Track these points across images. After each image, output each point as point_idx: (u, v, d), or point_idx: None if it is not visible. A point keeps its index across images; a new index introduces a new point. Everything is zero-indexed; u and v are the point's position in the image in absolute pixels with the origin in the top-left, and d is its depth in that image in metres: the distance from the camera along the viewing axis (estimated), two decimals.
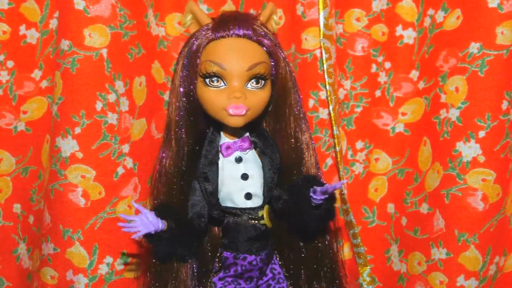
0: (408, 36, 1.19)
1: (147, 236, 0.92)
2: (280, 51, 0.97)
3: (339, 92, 1.20)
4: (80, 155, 1.05)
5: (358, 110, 1.21)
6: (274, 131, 1.02)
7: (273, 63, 0.95)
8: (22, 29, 1.14)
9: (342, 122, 1.21)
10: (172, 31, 1.18)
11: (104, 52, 1.05)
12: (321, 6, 1.14)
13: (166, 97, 1.19)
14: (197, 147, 0.98)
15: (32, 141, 1.18)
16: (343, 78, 1.20)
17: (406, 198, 1.20)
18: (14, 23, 1.14)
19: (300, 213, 0.97)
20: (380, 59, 1.20)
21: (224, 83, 0.92)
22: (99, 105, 1.05)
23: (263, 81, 0.93)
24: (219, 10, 1.17)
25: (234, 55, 0.91)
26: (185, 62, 0.96)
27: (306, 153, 1.03)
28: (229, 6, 1.17)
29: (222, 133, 0.98)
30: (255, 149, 0.99)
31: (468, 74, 1.07)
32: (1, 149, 1.17)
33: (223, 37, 0.92)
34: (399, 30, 1.19)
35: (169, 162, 1.00)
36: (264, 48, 0.94)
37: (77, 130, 1.05)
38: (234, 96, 0.90)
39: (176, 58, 1.18)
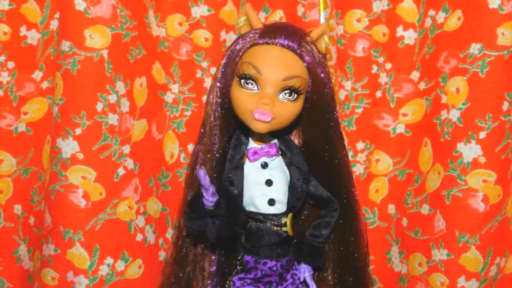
0: (409, 37, 1.18)
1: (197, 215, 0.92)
2: (321, 71, 0.96)
3: (340, 93, 1.20)
4: (80, 156, 1.05)
5: (359, 111, 1.21)
6: (307, 147, 1.01)
7: (310, 80, 0.95)
8: (23, 30, 1.15)
9: (343, 123, 1.21)
10: (172, 32, 1.18)
11: (105, 53, 1.05)
12: (322, 7, 1.14)
13: (166, 98, 1.19)
14: (226, 147, 0.99)
15: (33, 142, 1.18)
16: (343, 79, 1.20)
17: (407, 199, 1.20)
18: (15, 24, 1.14)
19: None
20: (381, 60, 1.20)
21: (258, 88, 0.92)
22: (99, 106, 1.05)
23: (296, 95, 0.93)
24: (220, 11, 1.17)
25: (273, 63, 0.92)
26: (226, 60, 0.97)
27: (340, 173, 1.02)
28: (229, 7, 1.17)
29: (250, 139, 0.99)
30: (283, 158, 0.99)
31: (469, 75, 1.07)
32: (1, 150, 1.17)
33: (267, 43, 0.93)
34: (399, 31, 1.19)
35: (202, 156, 1.01)
36: (305, 63, 0.94)
37: (78, 131, 1.05)
38: (263, 102, 0.91)
39: (176, 59, 1.19)
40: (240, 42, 0.95)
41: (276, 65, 0.92)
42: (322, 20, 1.14)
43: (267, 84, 0.91)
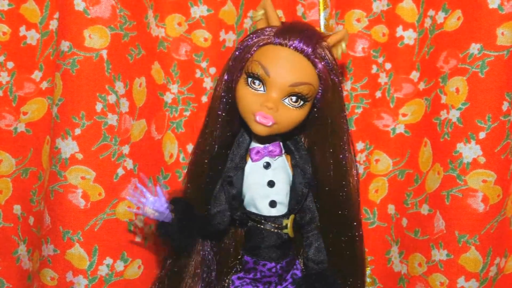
0: (409, 37, 1.18)
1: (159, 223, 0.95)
2: (334, 78, 0.93)
3: None
4: (80, 156, 1.05)
5: (359, 111, 1.21)
6: (313, 153, 0.98)
7: (320, 88, 0.92)
8: (22, 30, 1.14)
9: None
10: (172, 32, 1.18)
11: (104, 53, 1.05)
12: (321, 7, 1.14)
13: (165, 98, 1.19)
14: (227, 144, 0.97)
15: (32, 142, 1.18)
16: (343, 79, 1.20)
17: (407, 199, 1.20)
18: (14, 24, 1.14)
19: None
20: (380, 60, 1.20)
21: (264, 89, 0.90)
22: (99, 106, 1.05)
23: (302, 102, 0.90)
24: (219, 11, 1.17)
25: (283, 66, 0.88)
26: (237, 54, 0.93)
27: (345, 181, 0.99)
28: (229, 7, 1.17)
29: (253, 137, 0.97)
30: (290, 157, 0.97)
31: (469, 75, 1.07)
32: (1, 150, 1.17)
33: (281, 44, 0.89)
34: (399, 31, 1.19)
35: (201, 153, 0.99)
36: (317, 70, 0.90)
37: (77, 131, 1.05)
38: (266, 105, 0.88)
39: (175, 59, 1.19)
40: (254, 38, 0.92)
41: (285, 69, 0.88)
42: (322, 20, 1.14)
43: (274, 87, 0.89)
